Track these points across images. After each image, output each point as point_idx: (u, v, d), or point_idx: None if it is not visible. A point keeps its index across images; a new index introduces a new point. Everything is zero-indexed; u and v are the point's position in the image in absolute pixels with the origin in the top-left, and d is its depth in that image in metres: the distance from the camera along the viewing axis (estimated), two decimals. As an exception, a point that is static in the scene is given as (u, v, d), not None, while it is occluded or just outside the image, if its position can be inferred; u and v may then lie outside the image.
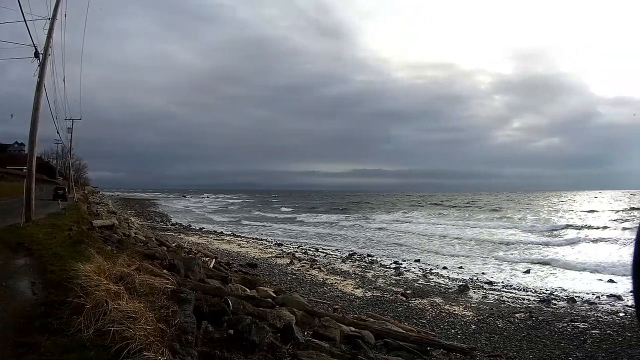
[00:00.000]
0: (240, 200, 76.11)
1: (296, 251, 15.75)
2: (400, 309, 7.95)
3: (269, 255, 14.27)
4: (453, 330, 6.72)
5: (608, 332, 6.84)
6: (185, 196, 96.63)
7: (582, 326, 7.13)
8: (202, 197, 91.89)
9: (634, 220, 25.99)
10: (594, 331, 6.88)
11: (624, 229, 22.43)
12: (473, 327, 6.95)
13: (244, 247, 16.24)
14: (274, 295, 6.17)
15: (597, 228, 23.97)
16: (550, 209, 41.69)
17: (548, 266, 13.60)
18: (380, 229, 26.05)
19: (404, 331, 5.43)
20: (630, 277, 2.73)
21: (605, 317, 7.82)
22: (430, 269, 12.86)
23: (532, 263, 14.01)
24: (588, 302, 9.02)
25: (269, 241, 18.90)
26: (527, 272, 12.64)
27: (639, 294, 2.57)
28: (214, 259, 9.60)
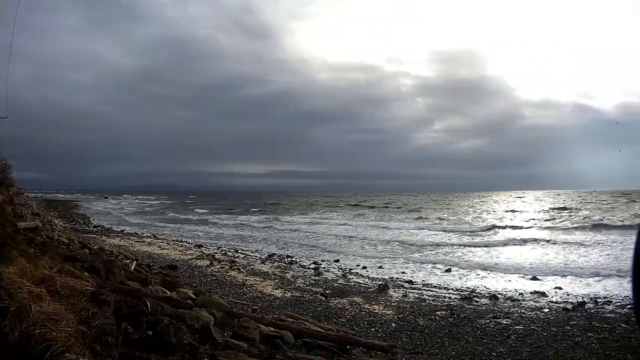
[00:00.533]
0: (159, 202, 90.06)
1: (216, 252, 17.94)
2: (320, 308, 9.03)
3: (189, 256, 16.30)
4: (373, 329, 7.62)
5: (532, 327, 7.79)
6: (106, 197, 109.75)
7: (505, 322, 8.13)
8: (122, 199, 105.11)
9: (555, 220, 30.90)
10: (517, 327, 7.81)
11: (546, 228, 26.67)
12: (394, 325, 7.88)
13: (165, 248, 18.49)
14: (194, 296, 6.95)
15: (519, 228, 27.98)
16: (472, 209, 49.62)
17: (469, 265, 15.43)
18: (299, 230, 30.05)
19: (323, 330, 6.21)
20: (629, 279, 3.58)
21: (529, 313, 8.95)
22: (350, 269, 14.70)
23: (453, 262, 15.99)
24: (511, 299, 10.40)
25: (189, 243, 21.72)
26: (448, 270, 14.50)
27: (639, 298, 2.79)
28: (134, 261, 10.84)
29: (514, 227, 27.81)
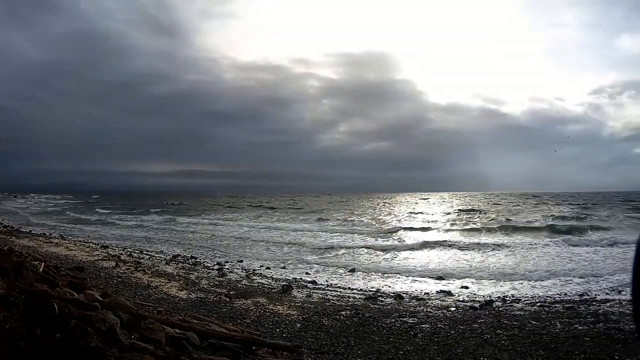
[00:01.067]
0: (64, 201, 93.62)
1: (121, 254, 18.73)
2: (224, 309, 9.49)
3: (96, 258, 16.85)
4: (278, 329, 8.08)
5: (439, 326, 8.30)
6: (15, 196, 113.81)
7: (412, 321, 8.62)
8: (28, 198, 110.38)
9: (461, 222, 33.57)
10: (424, 325, 8.30)
11: (451, 230, 28.85)
12: (298, 325, 8.36)
13: (72, 249, 19.03)
14: (101, 298, 7.10)
15: (424, 229, 30.08)
16: (377, 210, 53.08)
17: (373, 266, 16.54)
18: (202, 230, 31.69)
19: (228, 331, 6.59)
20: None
21: (436, 312, 9.55)
22: (254, 270, 15.69)
23: (357, 263, 17.12)
24: (416, 298, 11.17)
25: (95, 244, 22.68)
26: (352, 271, 15.52)
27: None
28: (43, 263, 10.73)
29: (418, 229, 29.80)
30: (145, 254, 19.29)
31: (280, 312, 9.44)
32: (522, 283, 13.06)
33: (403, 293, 11.69)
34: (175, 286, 11.93)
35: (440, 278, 14.03)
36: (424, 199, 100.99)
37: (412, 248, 21.16)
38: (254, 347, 5.98)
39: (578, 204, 57.05)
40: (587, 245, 19.73)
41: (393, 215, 42.71)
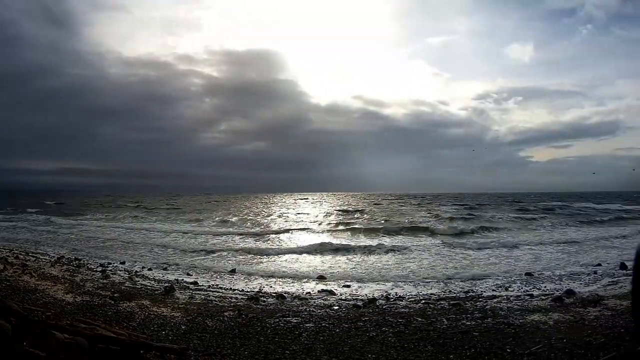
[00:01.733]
0: None
1: (8, 255, 18.41)
2: (110, 312, 9.39)
3: None
4: (164, 332, 7.98)
5: (324, 324, 8.30)
6: None
7: (295, 320, 8.62)
8: None
9: (339, 223, 33.80)
10: (308, 325, 8.31)
11: (332, 230, 29.77)
12: (183, 327, 8.32)
13: None
14: None
15: (304, 229, 30.87)
16: (256, 211, 53.69)
17: (254, 266, 16.91)
18: (83, 230, 31.73)
19: (115, 335, 6.49)
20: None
21: (319, 310, 9.62)
22: (136, 271, 15.77)
23: (238, 264, 17.46)
24: (298, 297, 11.29)
25: None
26: (233, 272, 15.79)
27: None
28: None
29: (298, 230, 30.37)
30: (32, 255, 19.22)
31: (165, 314, 9.32)
32: (405, 282, 13.37)
33: (285, 293, 11.87)
34: (62, 289, 11.68)
35: (321, 277, 14.28)
36: (304, 199, 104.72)
37: (292, 249, 21.38)
38: (141, 351, 6.01)
39: (462, 205, 61.14)
40: (470, 248, 20.28)
41: (273, 217, 43.00)
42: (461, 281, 13.71)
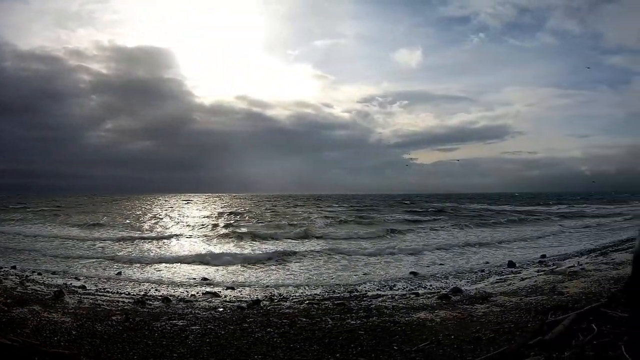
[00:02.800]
0: None
1: None
2: (4, 319, 8.98)
3: None
4: (56, 338, 7.79)
5: (209, 326, 8.41)
6: None
7: (181, 323, 8.63)
8: None
9: (224, 226, 33.91)
10: (194, 327, 8.36)
11: (214, 234, 29.41)
12: (74, 332, 8.17)
13: None
14: None
15: (189, 232, 30.91)
16: (141, 213, 53.14)
17: (139, 269, 16.88)
18: None
19: (9, 342, 6.41)
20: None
21: (204, 313, 9.68)
22: (26, 276, 15.32)
23: (124, 266, 17.60)
24: (184, 300, 11.33)
25: None
26: (119, 274, 15.85)
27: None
28: None
29: (182, 233, 30.05)
30: None
31: (56, 319, 9.04)
32: (289, 284, 13.76)
33: (170, 296, 11.85)
34: (-51, 299, 11.25)
35: (204, 279, 14.54)
36: (189, 201, 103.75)
37: (177, 251, 21.54)
38: (36, 358, 5.95)
39: (350, 206, 62.85)
40: (354, 252, 20.35)
41: (158, 219, 42.19)
42: (346, 283, 13.97)
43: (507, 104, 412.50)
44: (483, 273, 15.18)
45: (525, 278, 13.38)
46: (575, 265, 14.80)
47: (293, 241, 25.06)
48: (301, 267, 17.04)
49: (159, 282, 14.45)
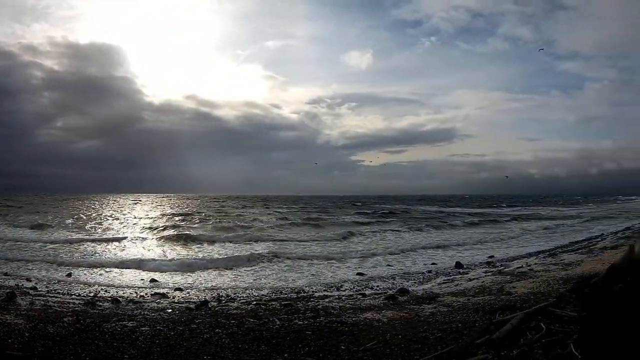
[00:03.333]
0: None
1: None
2: None
3: None
4: (10, 340, 7.70)
5: (158, 327, 8.46)
6: None
7: (131, 325, 8.64)
8: None
9: (173, 227, 34.26)
10: (144, 328, 8.38)
11: (161, 235, 29.33)
12: (27, 334, 8.07)
13: None
14: None
15: (140, 231, 31.68)
16: (89, 213, 51.75)
17: (89, 269, 16.89)
18: None
19: None
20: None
21: (153, 314, 9.74)
22: None
23: (73, 265, 17.55)
24: (133, 301, 11.32)
25: None
26: (69, 275, 15.61)
27: None
28: None
29: (131, 234, 29.55)
30: None
31: (9, 321, 8.94)
32: (236, 285, 13.96)
33: (119, 297, 11.80)
34: None
35: (153, 280, 14.67)
36: (138, 201, 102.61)
37: (125, 247, 22.19)
38: None
39: (300, 207, 62.72)
40: (307, 254, 20.59)
41: (107, 220, 41.35)
42: (294, 284, 14.18)
43: (457, 107, 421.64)
44: (430, 274, 15.42)
45: (473, 279, 13.62)
46: (524, 266, 15.11)
47: (241, 243, 25.04)
48: (249, 269, 17.08)
49: (108, 283, 14.43)
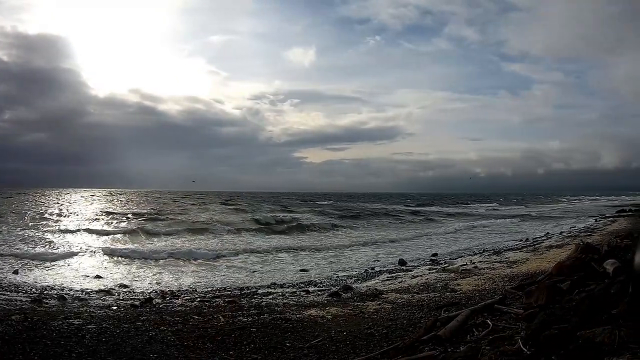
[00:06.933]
0: None
1: None
2: None
3: None
4: None
5: (104, 325, 8.58)
6: None
7: (77, 322, 8.72)
8: None
9: (109, 222, 34.75)
10: (90, 326, 8.48)
11: (108, 231, 30.10)
12: None
13: None
14: None
15: (87, 225, 32.40)
16: (38, 207, 53.60)
17: (37, 265, 17.38)
18: None
19: None
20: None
21: (98, 311, 9.85)
22: None
23: (19, 262, 17.68)
24: (79, 299, 11.30)
25: None
26: (16, 272, 15.50)
27: None
28: None
29: (77, 230, 29.98)
30: None
31: None
32: (181, 282, 14.40)
33: (66, 294, 11.64)
34: None
35: (98, 277, 14.80)
36: (82, 196, 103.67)
37: (71, 249, 21.79)
38: None
39: (234, 205, 61.65)
40: (250, 250, 21.22)
41: (53, 215, 41.20)
42: (238, 280, 14.41)
43: (400, 106, 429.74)
44: (373, 271, 15.55)
45: (417, 276, 13.86)
46: (468, 263, 15.48)
47: (186, 239, 25.47)
48: (194, 265, 17.39)
49: (55, 280, 14.26)
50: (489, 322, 6.35)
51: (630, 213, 42.93)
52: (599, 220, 36.96)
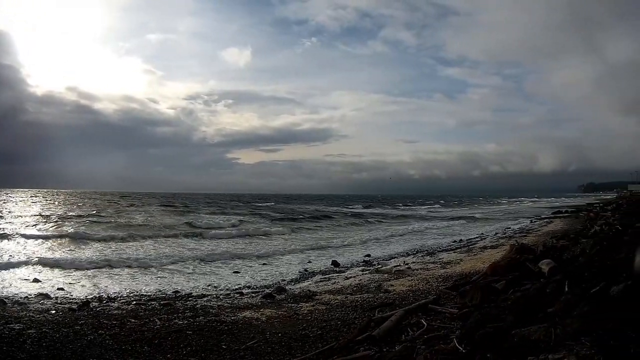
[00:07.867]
0: None
1: None
2: None
3: None
4: None
5: (44, 330, 8.73)
6: None
7: (18, 327, 8.80)
8: None
9: (45, 225, 35.53)
10: (30, 331, 8.59)
11: (44, 235, 29.89)
12: None
13: None
14: None
15: (22, 228, 31.61)
16: None
17: None
18: None
19: None
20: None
21: (38, 316, 9.90)
22: None
23: None
24: (18, 302, 11.28)
25: None
26: None
27: None
28: None
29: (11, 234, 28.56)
30: None
31: None
32: (117, 286, 14.49)
33: (5, 298, 11.58)
34: None
35: (36, 280, 14.62)
36: (18, 197, 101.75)
37: (7, 253, 21.45)
38: None
39: (172, 207, 61.09)
40: (184, 254, 21.46)
41: None
42: (172, 284, 14.63)
43: (334, 108, 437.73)
44: (307, 272, 15.76)
45: (350, 277, 14.13)
46: (401, 264, 15.73)
47: (121, 243, 25.26)
48: (129, 269, 17.35)
49: None
50: (424, 322, 6.50)
51: (566, 214, 43.86)
52: (535, 222, 37.97)
